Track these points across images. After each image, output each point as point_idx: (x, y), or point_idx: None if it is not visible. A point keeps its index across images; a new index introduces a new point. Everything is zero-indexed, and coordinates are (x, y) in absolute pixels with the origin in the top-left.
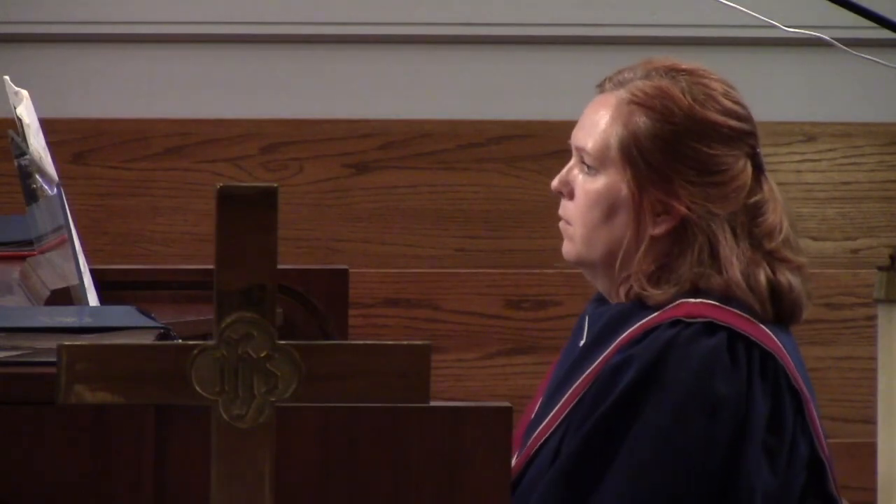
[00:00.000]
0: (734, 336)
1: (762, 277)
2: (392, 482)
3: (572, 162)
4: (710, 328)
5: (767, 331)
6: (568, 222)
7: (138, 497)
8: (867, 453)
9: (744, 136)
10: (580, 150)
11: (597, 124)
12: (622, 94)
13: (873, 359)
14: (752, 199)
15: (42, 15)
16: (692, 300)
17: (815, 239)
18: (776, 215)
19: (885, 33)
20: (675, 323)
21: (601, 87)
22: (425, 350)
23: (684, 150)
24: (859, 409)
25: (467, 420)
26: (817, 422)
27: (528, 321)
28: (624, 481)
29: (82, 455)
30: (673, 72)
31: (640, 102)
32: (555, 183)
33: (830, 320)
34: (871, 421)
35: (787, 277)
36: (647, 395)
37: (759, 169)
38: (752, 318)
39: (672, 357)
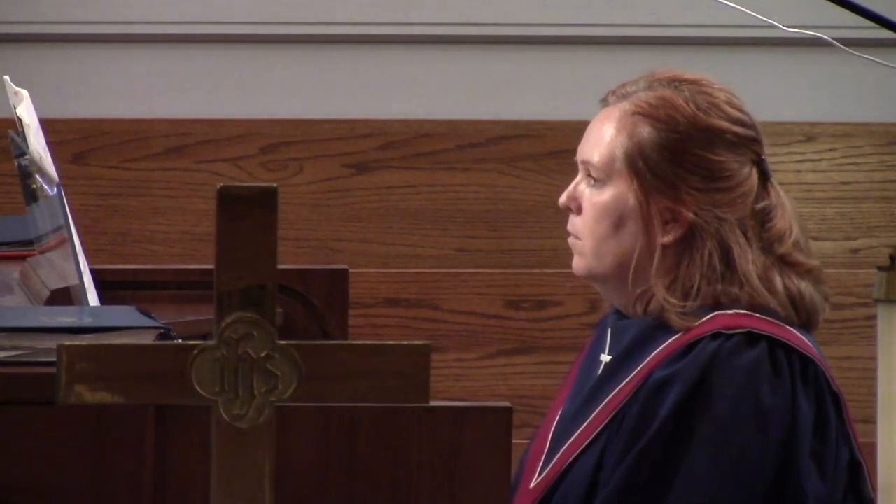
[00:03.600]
0: (774, 344)
1: (778, 282)
2: (392, 482)
3: (579, 177)
4: (751, 338)
5: (802, 336)
6: (577, 237)
7: (138, 497)
8: (867, 453)
9: (748, 143)
10: (586, 163)
11: (602, 137)
12: (626, 106)
13: (873, 359)
14: (760, 205)
15: (42, 15)
16: (728, 311)
17: (815, 239)
18: (785, 220)
19: (885, 33)
20: (716, 336)
21: (605, 101)
22: (425, 350)
23: (689, 157)
24: (859, 409)
25: (467, 420)
26: (852, 421)
27: (528, 321)
28: (681, 496)
29: (82, 455)
30: (676, 82)
31: (643, 113)
32: (562, 199)
33: (830, 320)
34: (871, 421)
35: (797, 284)
36: (697, 409)
37: (765, 176)
38: (785, 325)
39: (717, 371)
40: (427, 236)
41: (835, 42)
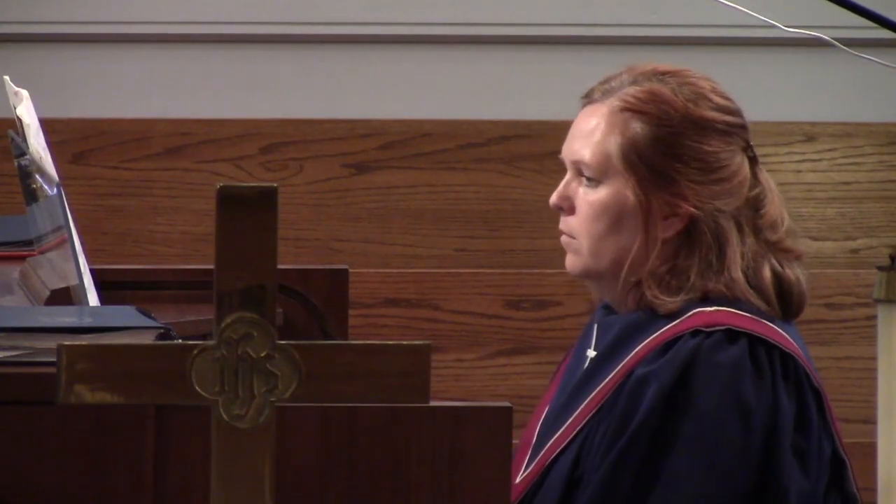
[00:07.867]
0: (754, 341)
1: (767, 272)
2: (392, 482)
3: (569, 176)
4: (731, 336)
5: (782, 331)
6: (571, 236)
7: (138, 497)
8: (867, 453)
9: (737, 130)
10: (577, 163)
11: (592, 135)
12: (613, 102)
13: (873, 359)
14: (753, 192)
15: (42, 15)
16: (708, 308)
17: (815, 239)
18: (775, 206)
19: (885, 33)
20: (696, 333)
21: (588, 98)
22: (425, 350)
23: (685, 150)
24: (859, 409)
25: (467, 420)
26: (836, 418)
27: (527, 321)
28: (664, 496)
29: (82, 455)
30: (659, 75)
31: (633, 109)
32: (553, 199)
33: (830, 320)
34: (871, 421)
35: (793, 270)
36: (679, 408)
37: (753, 161)
38: (765, 320)
39: (697, 369)
40: (427, 236)
41: (835, 42)
